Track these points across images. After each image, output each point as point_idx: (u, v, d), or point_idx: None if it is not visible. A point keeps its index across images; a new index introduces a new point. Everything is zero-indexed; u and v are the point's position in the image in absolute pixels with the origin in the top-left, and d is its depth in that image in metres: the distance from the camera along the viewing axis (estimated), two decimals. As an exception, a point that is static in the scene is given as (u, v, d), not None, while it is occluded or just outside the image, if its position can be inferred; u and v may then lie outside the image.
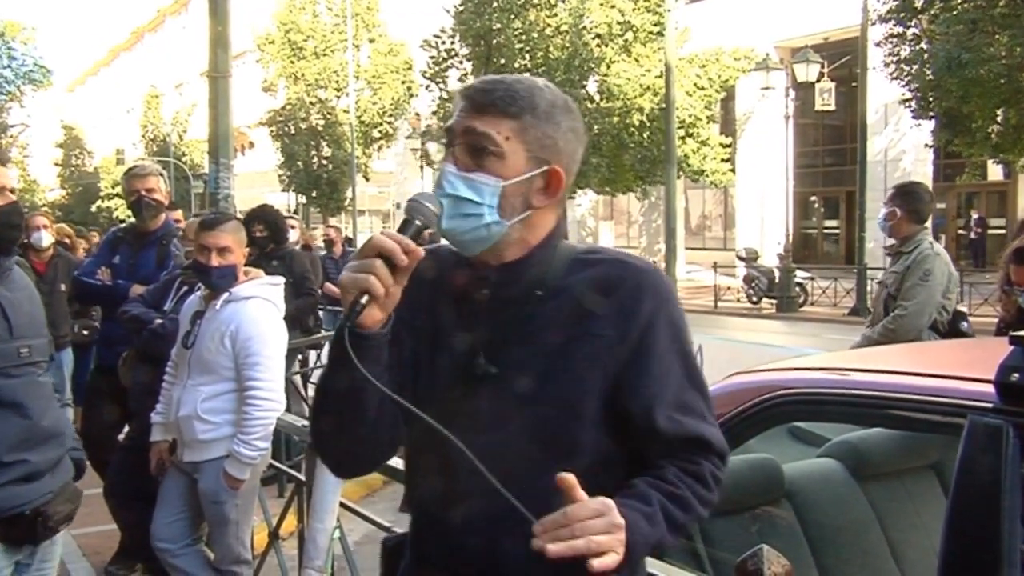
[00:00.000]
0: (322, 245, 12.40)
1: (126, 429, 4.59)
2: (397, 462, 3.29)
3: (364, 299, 1.42)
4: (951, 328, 4.77)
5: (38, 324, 2.78)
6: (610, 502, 1.39)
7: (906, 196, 4.99)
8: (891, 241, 5.12)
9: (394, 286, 1.45)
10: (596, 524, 1.35)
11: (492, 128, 1.54)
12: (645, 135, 24.63)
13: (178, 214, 5.72)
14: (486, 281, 1.61)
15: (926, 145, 21.76)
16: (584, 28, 24.95)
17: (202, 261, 3.76)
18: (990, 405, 1.81)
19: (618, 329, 1.53)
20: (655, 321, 1.55)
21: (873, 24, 18.48)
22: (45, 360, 2.81)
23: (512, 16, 25.52)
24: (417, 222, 1.50)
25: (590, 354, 1.53)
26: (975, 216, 26.24)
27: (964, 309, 5.06)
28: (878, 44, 18.53)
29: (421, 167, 34.96)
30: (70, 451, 2.93)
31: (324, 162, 36.01)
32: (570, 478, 1.37)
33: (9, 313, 2.67)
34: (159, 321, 4.30)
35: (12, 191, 2.72)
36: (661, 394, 1.54)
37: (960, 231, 27.17)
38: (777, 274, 19.99)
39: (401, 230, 1.49)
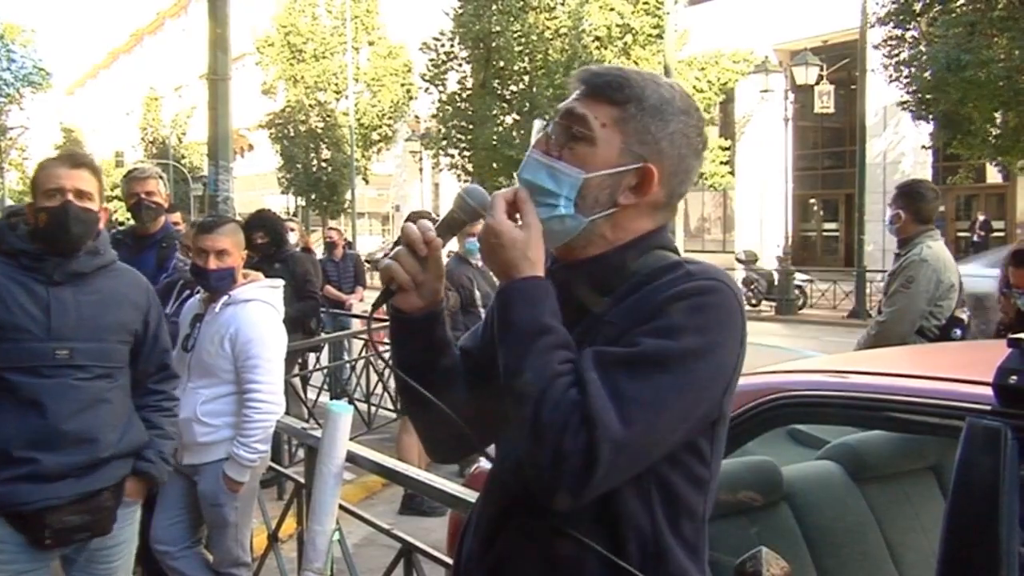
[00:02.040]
0: (322, 247, 12.39)
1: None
2: (396, 464, 3.31)
3: (393, 285, 1.51)
4: (942, 335, 4.64)
5: (102, 329, 2.83)
6: (501, 227, 1.42)
7: (908, 196, 4.86)
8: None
9: (424, 274, 1.51)
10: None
11: (591, 112, 1.47)
12: (645, 138, 24.59)
13: (177, 216, 5.71)
14: (554, 278, 1.53)
15: (923, 147, 21.78)
16: (583, 31, 24.92)
17: (200, 264, 3.76)
18: (988, 407, 1.81)
19: (631, 319, 1.39)
20: (662, 307, 1.36)
21: (872, 26, 18.49)
22: (103, 365, 2.83)
23: (511, 19, 25.49)
24: (456, 215, 1.55)
25: (606, 338, 1.40)
26: (981, 218, 26.17)
27: (963, 316, 4.89)
28: (876, 46, 18.54)
29: (420, 169, 34.99)
30: (141, 461, 2.97)
31: (323, 164, 35.99)
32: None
33: (53, 314, 2.74)
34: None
35: (82, 194, 2.79)
36: (610, 353, 1.35)
37: (959, 233, 27.16)
38: (776, 276, 19.97)
39: (443, 219, 1.56)
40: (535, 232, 1.44)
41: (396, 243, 1.55)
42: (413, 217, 6.96)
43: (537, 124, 1.54)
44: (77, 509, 2.76)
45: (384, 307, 1.58)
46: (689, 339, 1.35)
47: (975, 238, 25.88)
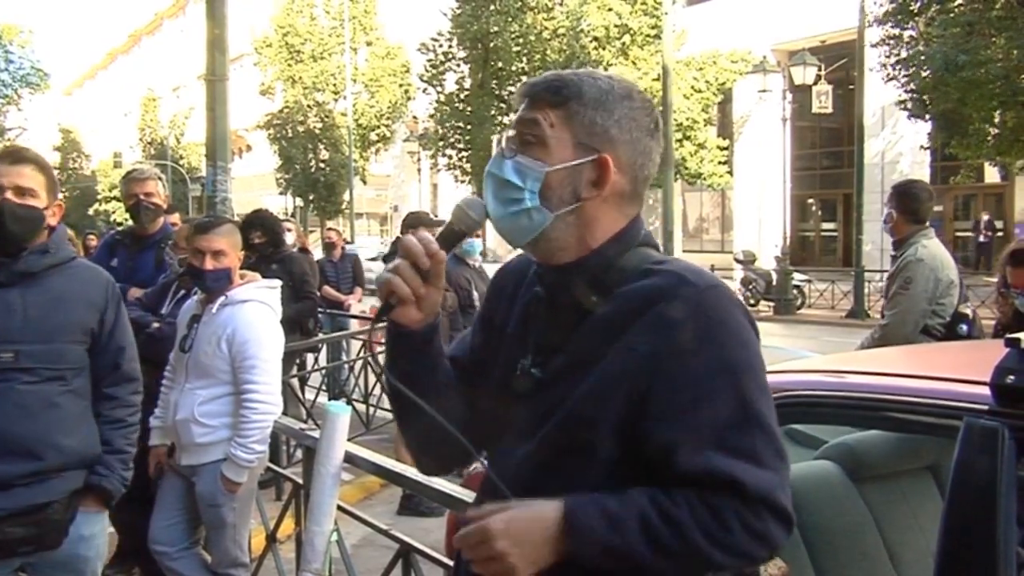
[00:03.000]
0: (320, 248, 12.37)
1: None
2: (394, 464, 3.31)
3: (393, 299, 1.49)
4: (948, 332, 4.65)
5: (51, 330, 2.71)
6: (490, 528, 1.36)
7: (902, 196, 4.87)
8: None
9: (425, 287, 1.50)
10: (474, 550, 1.38)
11: (540, 115, 1.51)
12: (642, 138, 24.62)
13: (175, 217, 5.71)
14: (543, 282, 1.59)
15: (922, 147, 21.79)
16: (581, 31, 24.97)
17: (196, 265, 3.75)
18: (986, 407, 1.81)
19: (651, 344, 1.40)
20: (695, 342, 1.39)
21: (870, 26, 18.50)
22: (52, 367, 2.71)
23: (509, 19, 25.54)
24: (456, 228, 1.55)
25: (620, 369, 1.42)
26: (985, 218, 26.09)
27: (968, 311, 4.89)
28: (874, 45, 18.55)
29: (418, 170, 35.01)
30: (93, 475, 2.82)
31: (322, 165, 36.03)
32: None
33: None
34: (156, 324, 4.30)
35: (23, 191, 2.68)
36: (691, 427, 1.37)
37: (958, 233, 27.16)
38: (775, 276, 19.98)
39: (443, 232, 1.55)
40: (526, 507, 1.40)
41: (391, 253, 1.55)
42: (410, 220, 6.97)
43: (495, 139, 1.60)
44: (22, 521, 2.62)
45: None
46: (740, 355, 1.42)
47: (981, 238, 25.80)
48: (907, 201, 4.84)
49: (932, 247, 4.78)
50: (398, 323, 1.53)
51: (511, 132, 1.54)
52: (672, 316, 1.40)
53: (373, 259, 20.79)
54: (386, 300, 1.50)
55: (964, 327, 4.69)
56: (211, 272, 3.73)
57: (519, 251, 1.64)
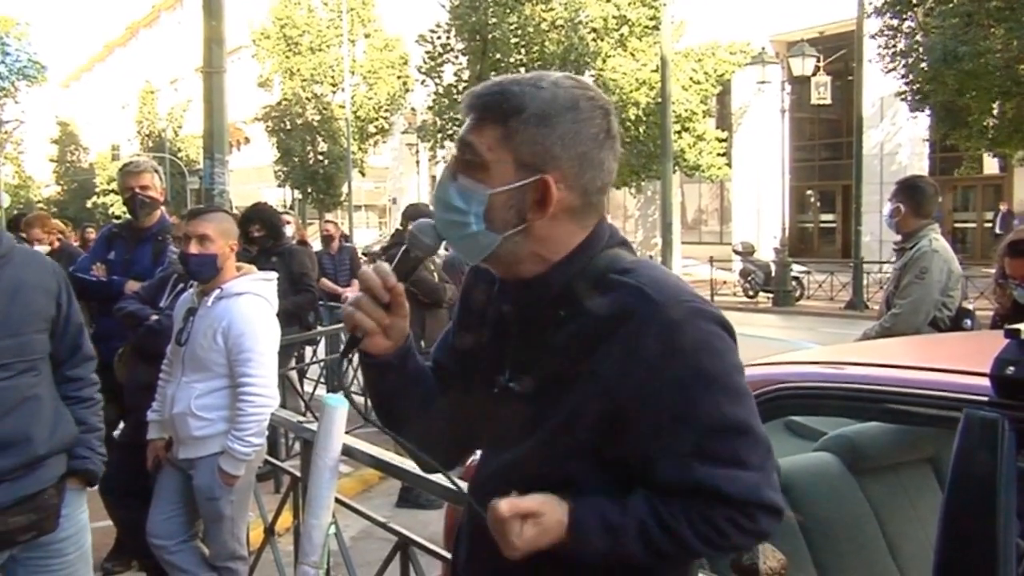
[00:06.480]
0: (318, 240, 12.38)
1: (121, 426, 4.59)
2: (392, 457, 3.31)
3: (359, 332, 1.51)
4: (954, 326, 4.69)
5: (16, 322, 2.65)
6: (539, 506, 1.39)
7: (909, 191, 4.92)
8: (898, 237, 5.02)
9: (389, 318, 1.52)
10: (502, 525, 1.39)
11: (477, 138, 1.47)
12: (641, 129, 24.63)
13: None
14: (509, 297, 1.57)
15: (923, 140, 21.76)
16: (580, 22, 24.91)
17: (183, 250, 3.78)
18: (986, 398, 1.81)
19: (621, 368, 1.39)
20: (663, 359, 1.37)
21: (868, 17, 18.47)
22: (25, 359, 2.66)
23: (508, 11, 25.47)
24: (412, 254, 1.55)
25: (590, 391, 1.42)
26: (1003, 210, 25.87)
27: (970, 306, 4.96)
28: (873, 36, 18.51)
29: (417, 162, 34.98)
30: (76, 460, 2.83)
31: (320, 157, 35.99)
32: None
33: None
34: (155, 317, 4.29)
35: None
36: (670, 442, 1.38)
37: (956, 224, 27.10)
38: (773, 268, 19.99)
39: (400, 260, 1.54)
40: (548, 510, 1.42)
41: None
42: (410, 211, 6.94)
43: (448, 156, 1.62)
44: (21, 510, 2.63)
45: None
46: (709, 365, 1.40)
47: (996, 230, 25.46)
48: (915, 196, 4.90)
49: (942, 241, 4.85)
50: (369, 354, 1.55)
51: (455, 149, 1.52)
52: (638, 337, 1.38)
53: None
54: (351, 334, 1.52)
55: (968, 322, 4.75)
56: (194, 256, 3.72)
57: None
